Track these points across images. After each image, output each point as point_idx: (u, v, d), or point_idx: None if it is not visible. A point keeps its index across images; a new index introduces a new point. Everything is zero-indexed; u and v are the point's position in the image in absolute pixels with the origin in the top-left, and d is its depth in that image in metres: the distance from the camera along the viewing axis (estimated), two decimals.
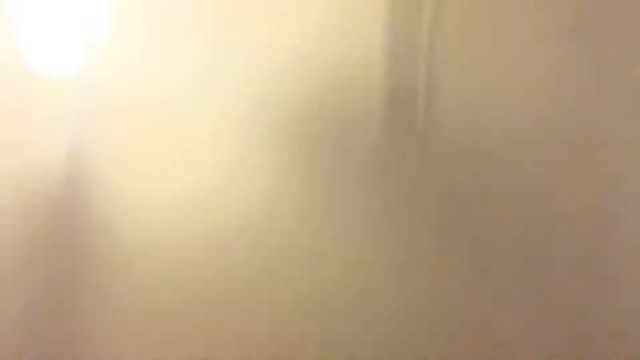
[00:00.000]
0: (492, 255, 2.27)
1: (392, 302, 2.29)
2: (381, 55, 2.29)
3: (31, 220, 2.48)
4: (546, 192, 2.27)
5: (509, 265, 2.26)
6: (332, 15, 2.27)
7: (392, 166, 2.36)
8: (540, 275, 2.20)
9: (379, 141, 2.33)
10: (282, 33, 2.39)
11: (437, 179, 2.33)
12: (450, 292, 2.25)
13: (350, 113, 2.37)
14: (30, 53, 2.22)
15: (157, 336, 2.38)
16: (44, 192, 2.50)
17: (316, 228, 2.33)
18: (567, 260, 2.15)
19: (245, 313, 2.36)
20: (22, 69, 2.46)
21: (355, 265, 2.31)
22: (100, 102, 2.53)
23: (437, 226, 2.29)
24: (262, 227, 2.39)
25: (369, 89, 2.32)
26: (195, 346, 2.37)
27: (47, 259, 2.47)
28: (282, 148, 2.45)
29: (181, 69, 2.37)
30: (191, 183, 2.54)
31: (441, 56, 2.25)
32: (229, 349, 2.34)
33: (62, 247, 2.48)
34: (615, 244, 2.18)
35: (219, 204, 2.48)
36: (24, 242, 2.47)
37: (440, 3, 2.22)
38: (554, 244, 2.26)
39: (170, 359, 2.28)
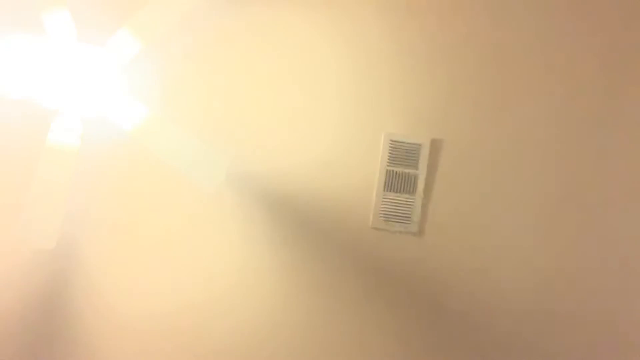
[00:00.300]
0: None
1: None
2: (375, 184, 2.50)
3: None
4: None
5: None
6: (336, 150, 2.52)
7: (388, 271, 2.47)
8: None
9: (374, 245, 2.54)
10: (297, 163, 2.53)
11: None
12: None
13: (346, 226, 2.52)
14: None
15: None
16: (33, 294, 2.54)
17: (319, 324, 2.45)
18: None
19: None
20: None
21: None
22: (100, 207, 2.55)
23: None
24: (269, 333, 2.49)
25: (363, 209, 2.52)
26: None
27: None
28: (289, 258, 2.52)
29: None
30: (186, 292, 2.57)
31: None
32: None
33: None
34: None
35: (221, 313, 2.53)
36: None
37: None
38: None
39: None
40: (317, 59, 2.51)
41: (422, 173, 2.47)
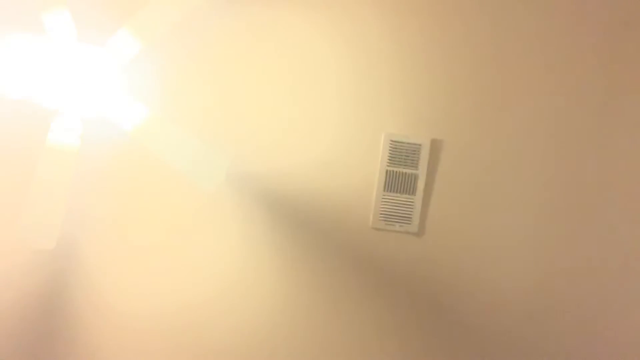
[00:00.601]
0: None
1: None
2: (375, 184, 2.52)
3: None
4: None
5: None
6: (336, 151, 2.53)
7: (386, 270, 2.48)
8: None
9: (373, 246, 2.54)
10: (297, 163, 2.54)
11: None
12: None
13: (346, 225, 2.54)
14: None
15: None
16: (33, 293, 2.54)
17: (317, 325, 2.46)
18: None
19: None
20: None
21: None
22: (100, 206, 2.56)
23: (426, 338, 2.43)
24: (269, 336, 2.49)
25: (363, 210, 2.53)
26: None
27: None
28: (289, 255, 2.53)
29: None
30: (186, 292, 2.57)
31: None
32: None
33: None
34: None
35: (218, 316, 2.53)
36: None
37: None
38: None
39: None
40: (317, 59, 2.51)
41: (422, 173, 2.47)
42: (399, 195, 2.47)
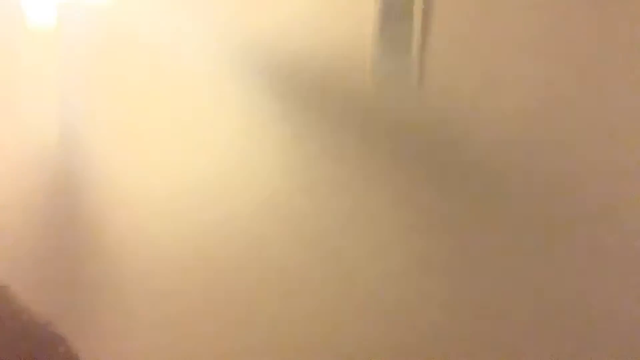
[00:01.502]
0: (487, 209, 2.29)
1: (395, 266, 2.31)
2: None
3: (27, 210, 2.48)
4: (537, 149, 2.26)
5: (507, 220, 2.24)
6: None
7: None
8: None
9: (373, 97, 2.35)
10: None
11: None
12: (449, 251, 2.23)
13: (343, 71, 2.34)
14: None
15: (150, 327, 2.38)
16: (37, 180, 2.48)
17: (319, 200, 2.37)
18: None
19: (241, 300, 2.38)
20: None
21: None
22: (96, 88, 2.42)
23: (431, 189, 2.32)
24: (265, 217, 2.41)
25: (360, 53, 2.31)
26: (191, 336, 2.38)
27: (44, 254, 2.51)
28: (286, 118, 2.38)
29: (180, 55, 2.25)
30: (191, 172, 2.48)
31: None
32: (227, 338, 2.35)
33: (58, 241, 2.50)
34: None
35: (218, 194, 2.45)
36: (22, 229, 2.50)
37: None
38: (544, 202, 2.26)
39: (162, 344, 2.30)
40: None
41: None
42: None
